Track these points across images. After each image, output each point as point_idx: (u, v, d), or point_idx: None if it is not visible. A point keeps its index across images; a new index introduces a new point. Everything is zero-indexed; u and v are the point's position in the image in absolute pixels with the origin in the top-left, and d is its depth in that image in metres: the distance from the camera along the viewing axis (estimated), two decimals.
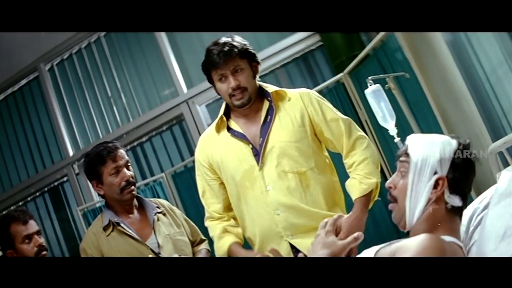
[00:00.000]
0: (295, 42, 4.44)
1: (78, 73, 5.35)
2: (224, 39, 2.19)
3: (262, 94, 2.25)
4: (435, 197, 1.42)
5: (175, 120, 4.98)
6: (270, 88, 2.26)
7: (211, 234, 2.34)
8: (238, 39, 2.22)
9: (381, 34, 3.11)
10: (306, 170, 2.16)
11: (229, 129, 2.26)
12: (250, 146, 2.19)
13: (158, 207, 2.59)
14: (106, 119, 5.27)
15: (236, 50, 2.15)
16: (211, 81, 2.24)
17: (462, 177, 1.43)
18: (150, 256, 2.40)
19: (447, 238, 1.37)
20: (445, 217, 1.42)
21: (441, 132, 2.73)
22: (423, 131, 2.92)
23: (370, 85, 2.65)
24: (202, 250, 2.57)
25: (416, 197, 1.43)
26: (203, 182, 2.35)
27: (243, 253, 2.21)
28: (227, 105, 2.28)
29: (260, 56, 4.36)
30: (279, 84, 4.58)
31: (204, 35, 4.64)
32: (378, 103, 2.63)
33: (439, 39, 2.80)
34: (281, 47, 4.48)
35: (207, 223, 2.36)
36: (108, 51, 5.22)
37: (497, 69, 2.53)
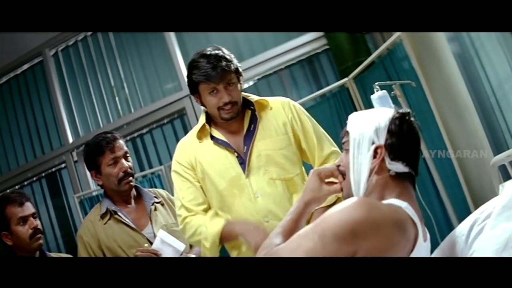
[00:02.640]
0: (301, 44, 4.45)
1: (82, 61, 5.34)
2: (214, 51, 2.13)
3: (245, 104, 2.23)
4: (376, 166, 1.44)
5: (176, 114, 4.99)
6: (252, 97, 2.25)
7: (193, 228, 2.15)
8: (227, 52, 2.17)
9: (388, 42, 3.11)
10: (293, 177, 2.16)
11: (212, 137, 2.22)
12: (236, 154, 2.17)
13: (156, 197, 2.61)
14: (108, 109, 5.26)
15: (231, 64, 2.12)
16: (195, 91, 2.18)
17: (401, 143, 1.44)
18: (146, 245, 2.41)
19: (394, 201, 1.38)
20: (391, 183, 1.44)
21: (444, 144, 2.74)
22: (426, 141, 2.93)
23: (377, 91, 2.65)
24: None
25: (358, 170, 1.46)
26: (183, 180, 2.23)
27: (238, 227, 2.07)
28: (207, 113, 2.24)
29: (265, 56, 4.45)
30: (282, 85, 4.60)
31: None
32: None
33: (446, 51, 2.80)
34: (287, 48, 4.49)
35: (186, 219, 2.17)
36: (114, 41, 5.22)
37: (504, 84, 2.54)
